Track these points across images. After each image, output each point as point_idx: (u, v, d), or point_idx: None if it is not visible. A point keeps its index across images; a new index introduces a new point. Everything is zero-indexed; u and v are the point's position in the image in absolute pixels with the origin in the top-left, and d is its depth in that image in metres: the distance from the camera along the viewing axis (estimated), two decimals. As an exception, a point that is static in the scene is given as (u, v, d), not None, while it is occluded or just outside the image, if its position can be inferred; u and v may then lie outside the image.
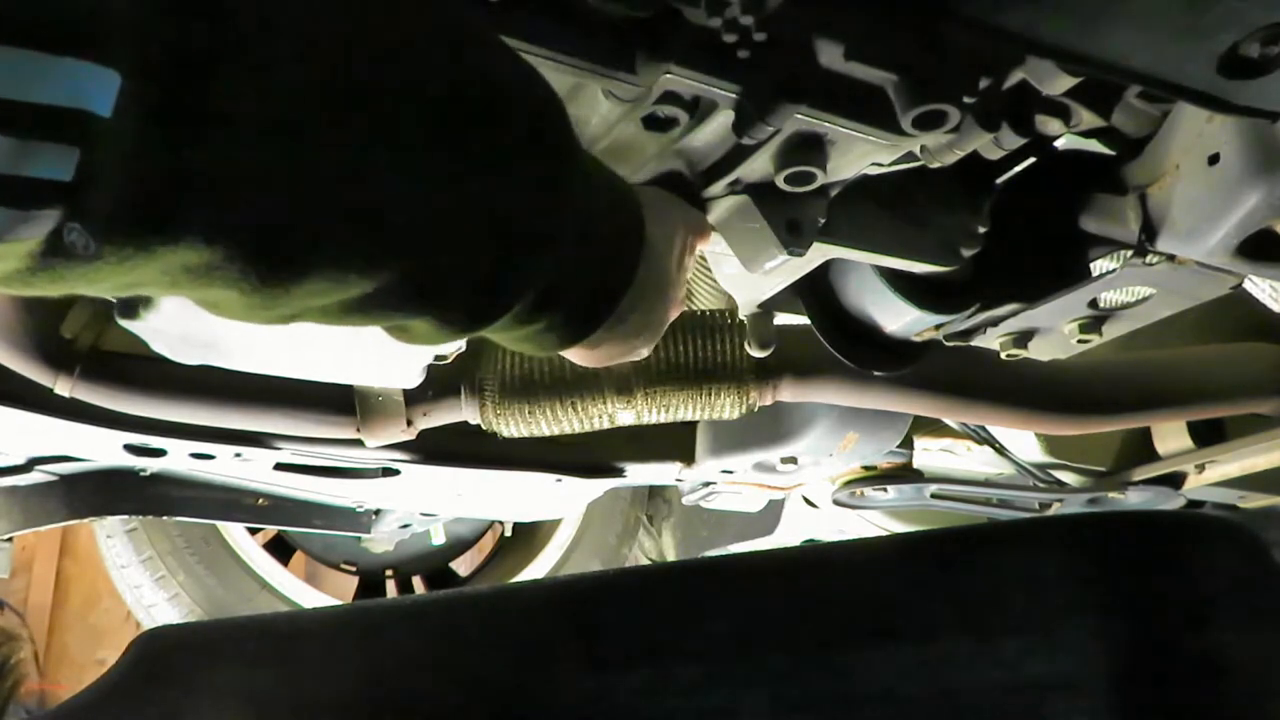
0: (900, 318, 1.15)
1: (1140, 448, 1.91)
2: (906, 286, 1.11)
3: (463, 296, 0.56)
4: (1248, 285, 1.17)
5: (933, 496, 1.96)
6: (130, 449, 1.49)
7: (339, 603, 2.81)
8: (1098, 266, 1.12)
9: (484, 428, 1.37)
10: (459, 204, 0.52)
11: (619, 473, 1.75)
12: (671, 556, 3.10)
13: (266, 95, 0.42)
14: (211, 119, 0.41)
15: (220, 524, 2.61)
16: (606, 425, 1.37)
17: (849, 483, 1.97)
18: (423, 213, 0.50)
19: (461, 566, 3.27)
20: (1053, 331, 1.20)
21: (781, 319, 1.22)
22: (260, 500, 1.91)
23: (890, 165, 0.86)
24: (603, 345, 0.69)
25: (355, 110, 0.46)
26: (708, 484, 1.90)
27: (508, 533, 3.19)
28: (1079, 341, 1.21)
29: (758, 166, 0.81)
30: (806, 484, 1.94)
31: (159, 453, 1.50)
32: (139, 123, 0.39)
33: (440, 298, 0.55)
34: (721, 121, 0.77)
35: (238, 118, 0.42)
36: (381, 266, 0.50)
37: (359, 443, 1.43)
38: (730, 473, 1.80)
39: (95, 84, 0.37)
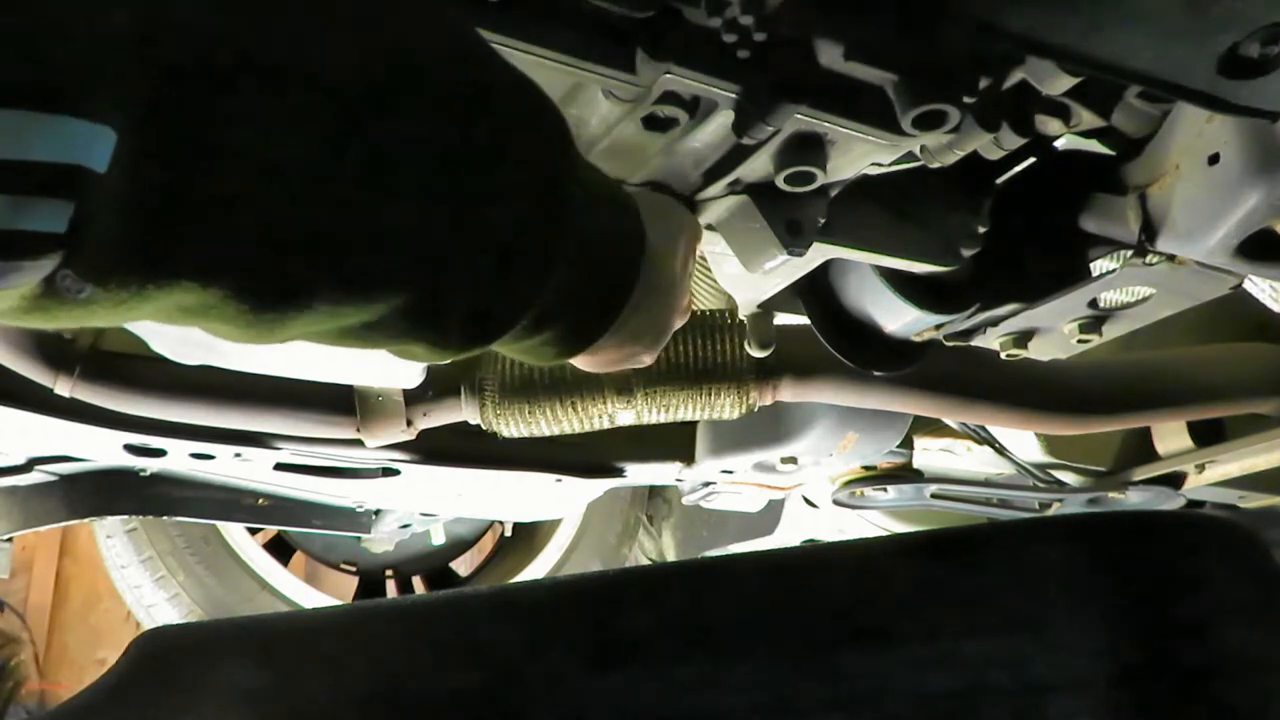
0: (900, 318, 1.15)
1: (1140, 448, 1.90)
2: (906, 286, 1.11)
3: (459, 324, 0.55)
4: (1248, 285, 1.17)
5: (933, 496, 1.95)
6: (130, 449, 1.49)
7: (339, 603, 2.81)
8: (1098, 266, 1.12)
9: (484, 428, 1.37)
10: (455, 236, 0.52)
11: (619, 473, 1.75)
12: (671, 556, 3.10)
13: (260, 145, 0.43)
14: (205, 170, 0.41)
15: (220, 524, 2.61)
16: (606, 425, 1.37)
17: (849, 483, 1.97)
18: (417, 247, 0.50)
19: (461, 566, 3.27)
20: (1053, 331, 1.20)
21: (781, 319, 1.22)
22: (260, 500, 1.91)
23: (890, 165, 0.85)
24: (603, 351, 0.69)
25: (349, 153, 0.46)
26: (708, 484, 1.90)
27: (508, 533, 3.18)
28: (1079, 341, 1.21)
29: (758, 166, 0.81)
30: (806, 484, 1.94)
31: (159, 453, 1.50)
32: (133, 175, 0.39)
33: (436, 326, 0.55)
34: (721, 121, 0.77)
35: (231, 168, 0.42)
36: (376, 301, 0.50)
37: (359, 443, 1.43)
38: (730, 473, 1.80)
39: (92, 141, 0.37)
